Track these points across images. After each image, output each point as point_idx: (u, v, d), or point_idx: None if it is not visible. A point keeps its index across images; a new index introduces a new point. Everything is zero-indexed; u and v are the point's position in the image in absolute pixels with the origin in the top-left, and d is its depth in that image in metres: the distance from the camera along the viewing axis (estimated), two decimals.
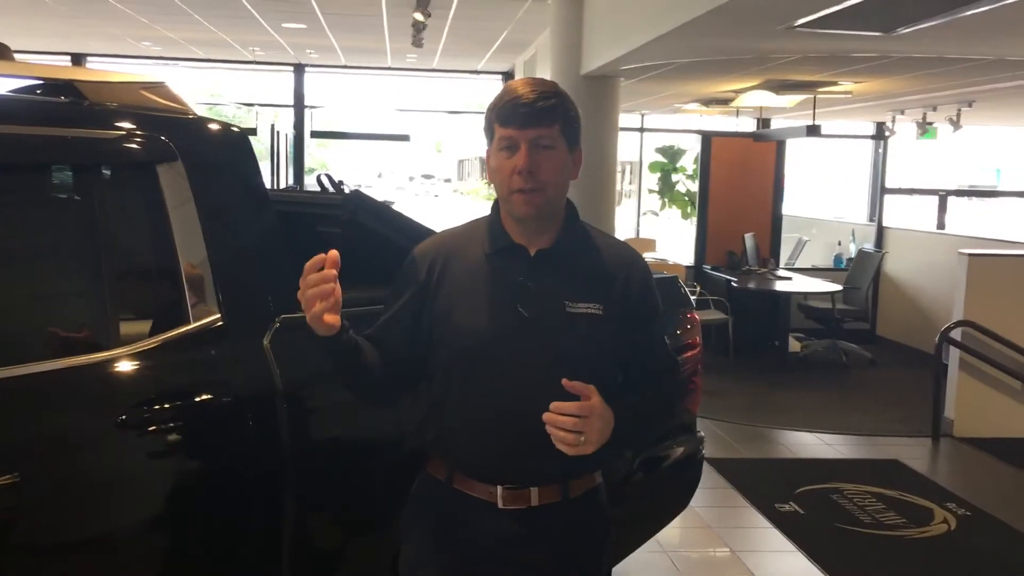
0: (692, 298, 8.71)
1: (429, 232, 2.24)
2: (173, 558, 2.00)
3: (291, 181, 11.89)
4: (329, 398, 2.23)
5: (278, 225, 2.26)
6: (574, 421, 1.65)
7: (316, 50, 11.33)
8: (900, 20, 4.77)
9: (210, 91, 23.91)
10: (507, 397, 1.70)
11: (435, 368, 1.84)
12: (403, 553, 1.91)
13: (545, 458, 1.70)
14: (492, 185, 1.82)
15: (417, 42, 8.50)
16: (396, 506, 1.97)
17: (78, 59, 12.16)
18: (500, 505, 1.79)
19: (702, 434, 3.38)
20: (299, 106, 12.40)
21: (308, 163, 27.41)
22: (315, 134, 12.94)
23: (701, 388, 3.34)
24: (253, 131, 15.06)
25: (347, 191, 2.68)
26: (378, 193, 23.77)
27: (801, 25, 4.91)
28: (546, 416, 1.65)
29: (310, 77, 12.61)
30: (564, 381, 1.67)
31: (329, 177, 2.64)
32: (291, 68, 12.37)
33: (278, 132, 11.73)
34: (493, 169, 1.78)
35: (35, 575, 1.83)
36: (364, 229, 2.52)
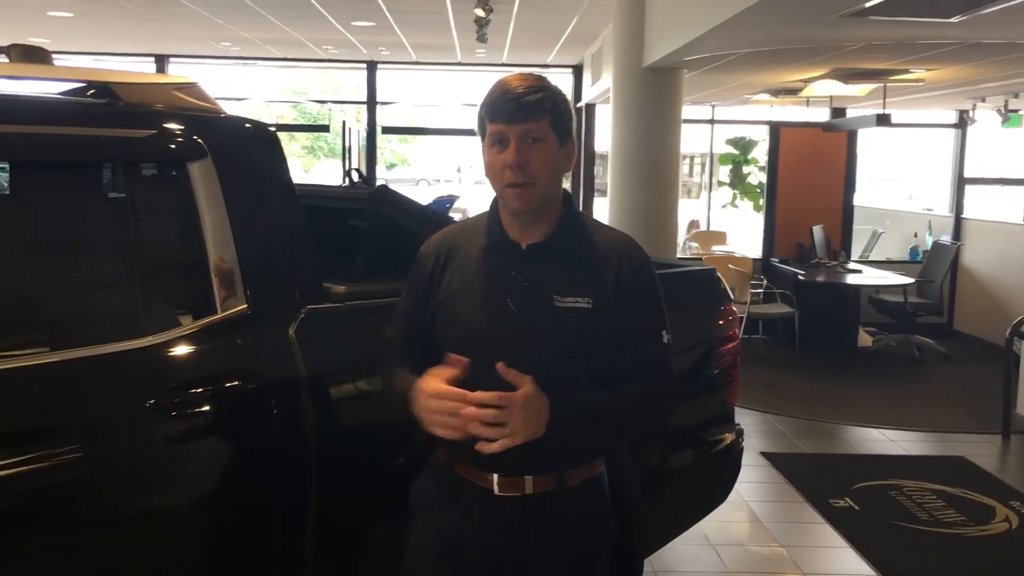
0: (759, 291, 8.64)
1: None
2: (201, 536, 2.10)
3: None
4: (352, 386, 2.32)
5: (305, 219, 2.35)
6: (493, 413, 1.67)
7: (387, 47, 11.51)
8: (962, 5, 4.63)
9: (293, 89, 24.54)
10: (496, 389, 1.71)
11: (435, 358, 1.89)
12: (408, 536, 1.98)
13: (536, 447, 1.72)
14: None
15: (482, 37, 8.56)
16: None
17: (161, 60, 12.60)
18: (496, 491, 1.84)
19: (740, 426, 3.36)
20: (371, 102, 12.62)
21: (389, 158, 27.85)
22: (386, 130, 13.14)
23: (739, 381, 3.33)
24: (325, 127, 15.41)
25: (376, 185, 2.76)
26: (454, 188, 24.03)
27: (865, 11, 4.80)
28: (465, 411, 1.68)
29: (382, 74, 12.82)
30: (499, 366, 1.70)
31: (359, 172, 2.73)
32: (364, 65, 12.60)
33: (349, 128, 11.96)
34: (487, 164, 1.82)
35: (86, 545, 1.94)
36: (390, 223, 2.59)
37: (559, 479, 1.85)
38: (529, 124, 1.76)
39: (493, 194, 1.89)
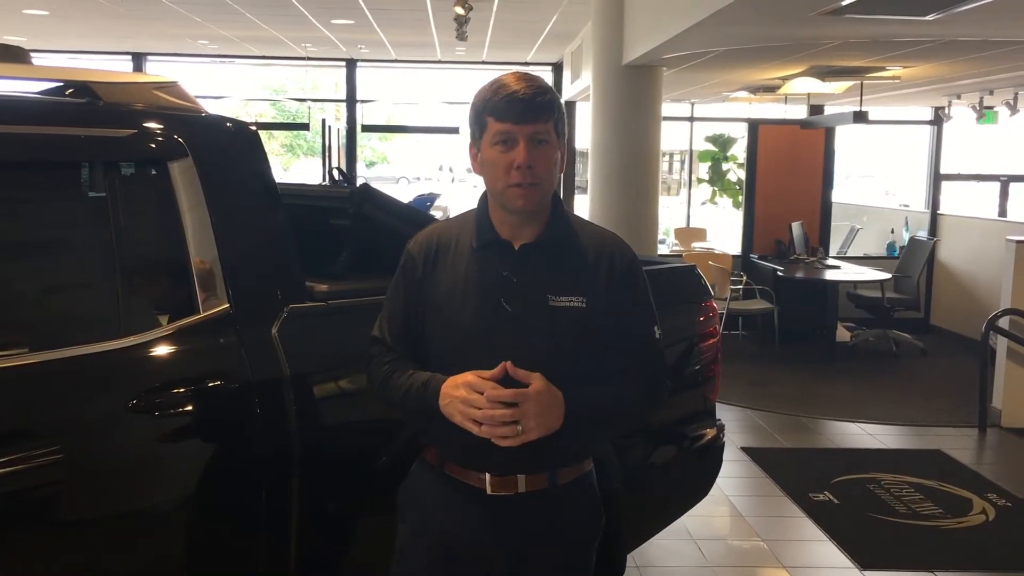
0: (739, 287, 8.69)
1: (433, 222, 2.30)
2: (184, 537, 2.09)
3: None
4: (335, 385, 2.32)
5: (287, 218, 2.34)
6: (510, 412, 1.69)
7: (367, 45, 11.47)
8: (937, 3, 4.67)
9: (272, 87, 24.40)
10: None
11: (426, 358, 1.89)
12: (397, 536, 1.98)
13: (530, 447, 1.73)
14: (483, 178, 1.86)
15: (461, 35, 8.55)
16: None
17: (138, 59, 12.50)
18: (489, 491, 1.84)
19: (721, 421, 3.39)
20: (351, 100, 12.59)
21: (369, 156, 27.81)
22: (365, 128, 13.11)
23: (720, 376, 3.35)
24: (305, 126, 15.34)
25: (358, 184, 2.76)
26: (434, 186, 23.97)
27: (841, 9, 4.84)
28: (480, 414, 1.69)
29: (362, 72, 12.78)
30: (508, 365, 1.71)
31: (340, 171, 2.73)
32: (343, 63, 12.56)
33: (329, 127, 11.92)
34: (484, 163, 1.82)
35: (67, 546, 1.93)
36: (372, 221, 2.60)
37: (551, 477, 1.86)
38: (538, 125, 1.78)
39: (474, 193, 1.89)
